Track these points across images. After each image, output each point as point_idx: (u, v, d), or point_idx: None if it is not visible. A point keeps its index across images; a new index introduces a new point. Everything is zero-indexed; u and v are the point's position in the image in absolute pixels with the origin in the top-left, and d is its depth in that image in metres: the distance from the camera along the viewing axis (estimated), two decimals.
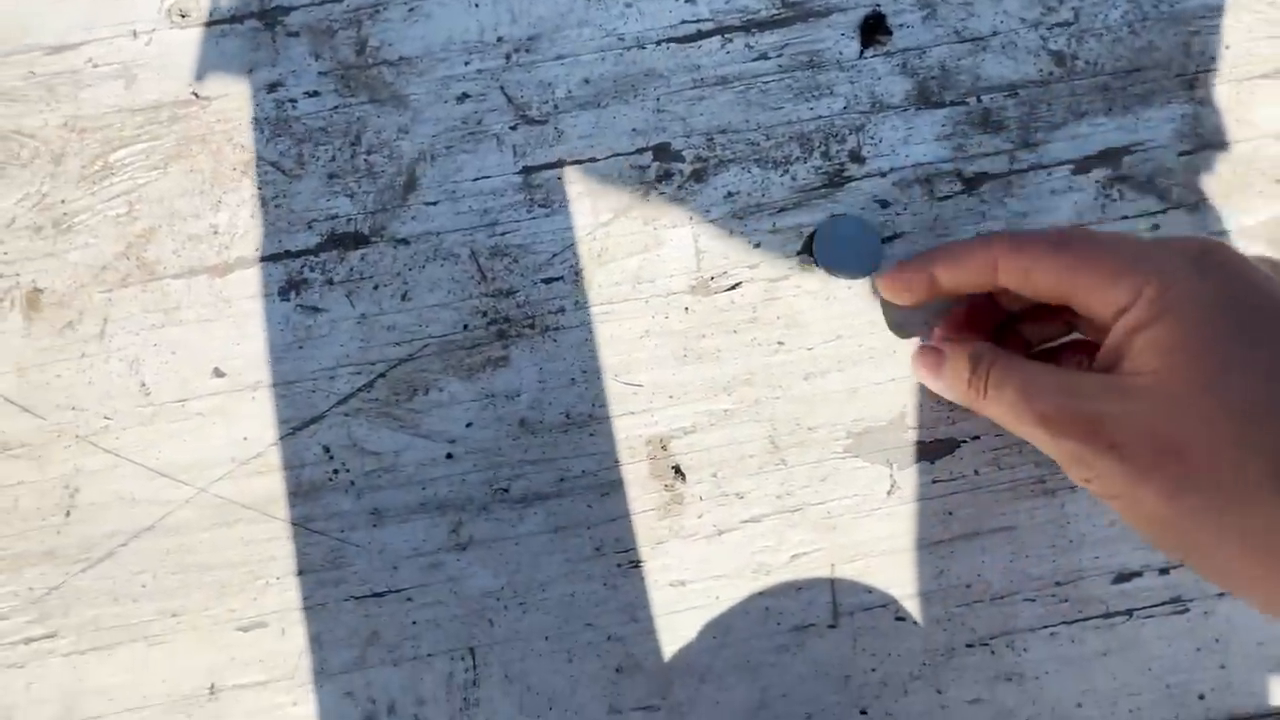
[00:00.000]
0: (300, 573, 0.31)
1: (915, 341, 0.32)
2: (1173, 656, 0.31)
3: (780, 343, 0.32)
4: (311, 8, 0.33)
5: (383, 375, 0.31)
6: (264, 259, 0.32)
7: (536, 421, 0.31)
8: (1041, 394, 0.25)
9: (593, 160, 0.32)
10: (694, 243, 0.32)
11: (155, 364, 0.31)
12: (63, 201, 0.32)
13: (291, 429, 0.31)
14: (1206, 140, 0.33)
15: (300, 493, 0.31)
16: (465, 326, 0.32)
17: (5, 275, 0.32)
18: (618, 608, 0.31)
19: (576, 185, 0.32)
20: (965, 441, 0.31)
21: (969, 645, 0.31)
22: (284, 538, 0.31)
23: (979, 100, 0.33)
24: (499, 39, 0.33)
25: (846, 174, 0.32)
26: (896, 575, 0.31)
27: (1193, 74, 0.33)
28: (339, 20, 0.33)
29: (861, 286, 0.32)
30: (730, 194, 0.32)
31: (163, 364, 0.31)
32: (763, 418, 0.31)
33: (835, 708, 0.31)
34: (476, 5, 0.33)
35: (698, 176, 0.32)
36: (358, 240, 0.32)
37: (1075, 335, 0.30)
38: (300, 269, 0.32)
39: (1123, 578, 0.31)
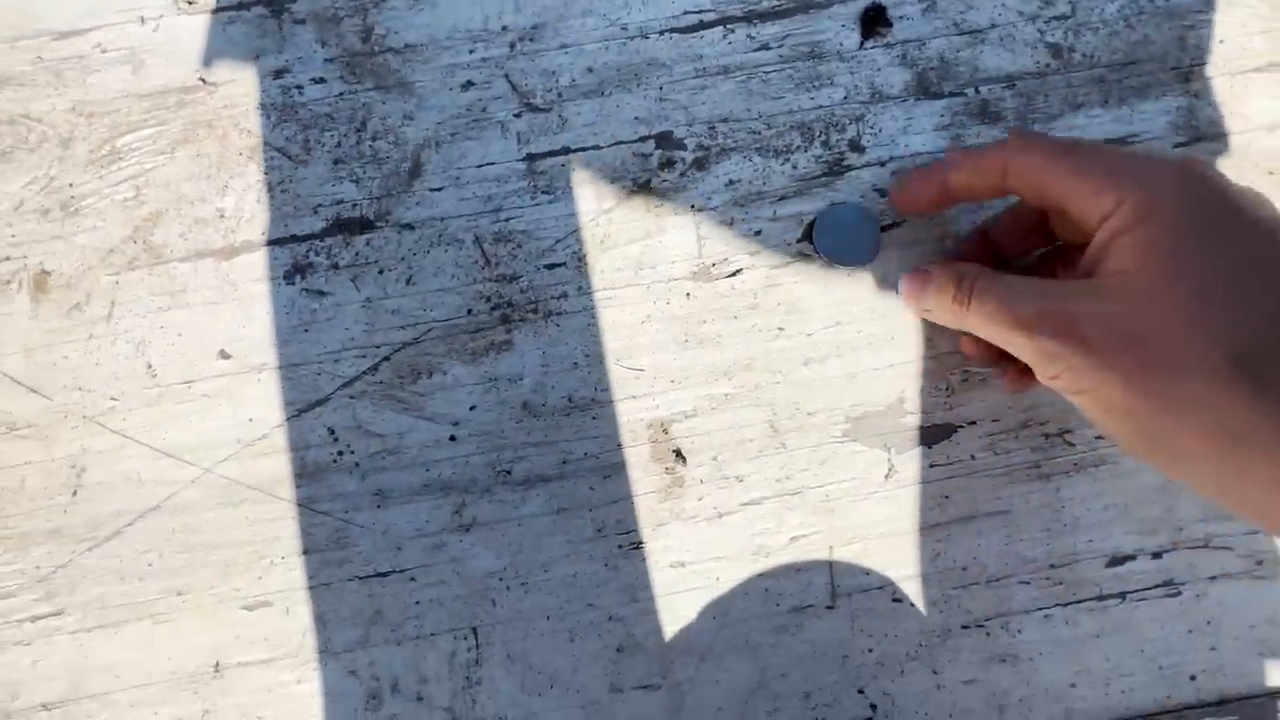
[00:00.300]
0: (305, 552, 0.31)
1: (913, 331, 0.32)
2: (1165, 638, 0.31)
3: (780, 328, 0.32)
4: None
5: (387, 358, 0.32)
6: (270, 243, 0.32)
7: (539, 405, 0.32)
8: (1020, 299, 0.26)
9: (596, 148, 0.33)
10: (695, 230, 0.32)
11: (162, 346, 0.32)
12: (70, 185, 0.32)
13: (297, 411, 0.31)
14: (1200, 132, 0.33)
15: (305, 474, 0.31)
16: (469, 311, 0.32)
17: (13, 258, 0.32)
18: (619, 588, 0.31)
19: (580, 172, 0.33)
20: (962, 427, 0.32)
21: (964, 627, 0.31)
22: (289, 518, 0.31)
23: (977, 91, 0.33)
24: (503, 27, 0.33)
25: (846, 163, 0.33)
26: (894, 558, 0.31)
27: (1187, 67, 0.34)
28: (345, 7, 0.33)
29: (861, 274, 0.32)
30: (731, 182, 0.33)
31: (169, 346, 0.32)
32: (763, 402, 0.32)
33: (833, 687, 0.31)
34: None
35: (699, 165, 0.33)
36: (363, 225, 0.32)
37: (1048, 249, 0.31)
38: (306, 253, 0.32)
39: (1116, 561, 0.32)
